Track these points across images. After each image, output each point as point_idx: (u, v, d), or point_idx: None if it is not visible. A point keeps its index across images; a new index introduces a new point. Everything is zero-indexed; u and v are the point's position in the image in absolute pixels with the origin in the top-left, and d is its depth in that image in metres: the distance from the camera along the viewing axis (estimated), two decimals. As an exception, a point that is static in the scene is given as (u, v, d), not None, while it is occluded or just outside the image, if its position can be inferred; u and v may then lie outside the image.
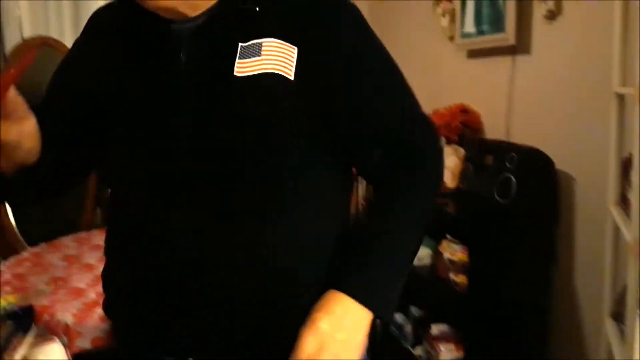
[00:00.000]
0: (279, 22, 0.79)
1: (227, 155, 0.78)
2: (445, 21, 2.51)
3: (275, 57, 0.77)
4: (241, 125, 0.78)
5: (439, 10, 2.54)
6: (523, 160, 1.82)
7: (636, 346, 1.03)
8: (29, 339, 1.19)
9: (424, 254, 2.25)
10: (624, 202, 1.32)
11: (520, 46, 2.07)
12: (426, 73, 2.81)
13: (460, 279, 1.92)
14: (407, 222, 0.84)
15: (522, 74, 2.10)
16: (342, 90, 0.81)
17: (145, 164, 0.81)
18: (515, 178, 1.80)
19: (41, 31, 2.82)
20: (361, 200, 2.67)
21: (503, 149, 1.93)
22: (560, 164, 1.84)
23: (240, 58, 0.78)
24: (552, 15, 1.91)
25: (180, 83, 0.79)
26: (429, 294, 2.20)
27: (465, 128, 2.31)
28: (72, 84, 0.89)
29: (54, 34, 2.83)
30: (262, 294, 0.79)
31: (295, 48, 0.78)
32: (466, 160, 2.15)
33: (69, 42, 2.83)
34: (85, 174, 0.97)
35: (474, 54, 2.41)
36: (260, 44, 0.78)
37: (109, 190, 0.93)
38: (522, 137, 2.06)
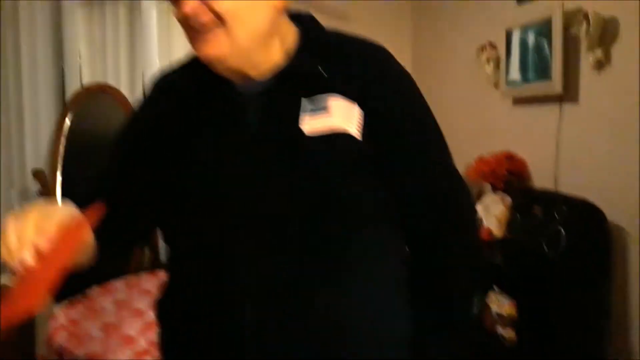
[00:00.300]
0: (343, 83, 0.81)
1: (302, 217, 0.78)
2: (489, 68, 2.52)
3: (342, 114, 0.79)
4: (316, 185, 0.78)
5: (484, 57, 2.55)
6: (573, 212, 1.78)
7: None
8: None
9: (469, 304, 2.20)
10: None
11: (568, 95, 2.05)
12: (471, 119, 2.81)
13: (508, 333, 1.87)
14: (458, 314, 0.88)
15: (569, 123, 2.07)
16: (398, 151, 0.84)
17: (213, 228, 0.81)
18: (565, 230, 1.76)
19: (99, 78, 2.97)
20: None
21: (552, 199, 1.90)
22: (612, 216, 1.78)
23: (308, 116, 0.79)
24: (600, 65, 1.90)
25: (250, 145, 0.80)
26: (475, 347, 2.14)
27: (511, 175, 2.28)
28: (137, 150, 0.91)
29: (111, 80, 2.98)
30: None
31: (358, 106, 0.80)
32: (513, 209, 2.11)
33: (125, 89, 2.98)
34: (148, 238, 0.98)
35: (519, 101, 2.40)
36: (328, 102, 0.79)
37: (168, 250, 0.92)
38: (570, 186, 2.01)
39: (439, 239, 0.87)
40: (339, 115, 0.78)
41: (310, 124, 0.78)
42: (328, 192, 0.78)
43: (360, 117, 0.79)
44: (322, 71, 0.80)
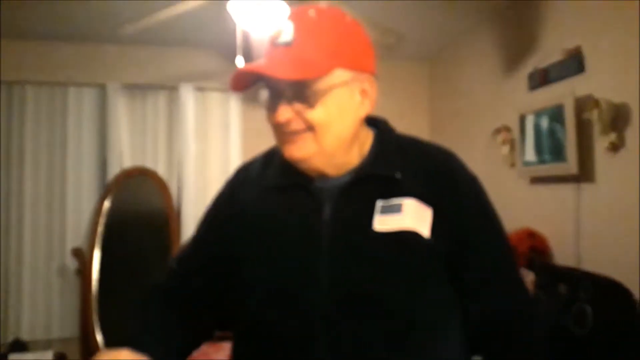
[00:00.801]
0: (417, 185, 0.88)
1: (366, 302, 0.83)
2: (505, 149, 2.64)
3: (414, 216, 0.85)
4: (380, 274, 0.84)
5: (499, 139, 2.67)
6: (598, 290, 1.81)
7: None
8: None
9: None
10: None
11: (584, 175, 2.14)
12: (490, 197, 2.89)
13: (541, 414, 1.85)
14: None
15: (588, 201, 2.14)
16: (468, 249, 0.89)
17: (283, 312, 0.85)
18: (592, 308, 1.79)
19: (138, 162, 3.14)
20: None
21: (576, 277, 1.93)
22: (637, 293, 1.82)
23: (381, 214, 0.86)
24: (614, 148, 1.99)
25: (322, 233, 0.86)
26: None
27: (534, 252, 2.33)
28: (215, 240, 0.97)
29: (149, 164, 3.15)
30: None
31: (431, 209, 0.86)
32: (537, 287, 2.15)
33: (162, 171, 3.13)
34: (215, 327, 1.02)
35: (536, 180, 2.49)
36: (401, 204, 0.86)
37: (234, 336, 0.96)
38: (595, 264, 2.05)
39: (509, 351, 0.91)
40: (411, 216, 0.85)
41: (383, 221, 0.85)
42: (393, 280, 0.84)
43: (430, 217, 0.86)
44: (398, 175, 0.88)
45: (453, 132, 3.34)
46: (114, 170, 3.04)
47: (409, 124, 3.71)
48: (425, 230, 0.85)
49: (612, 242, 2.00)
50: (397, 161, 0.90)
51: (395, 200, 0.86)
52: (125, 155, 3.12)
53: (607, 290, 1.82)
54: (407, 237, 0.84)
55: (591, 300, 1.81)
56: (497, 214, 0.98)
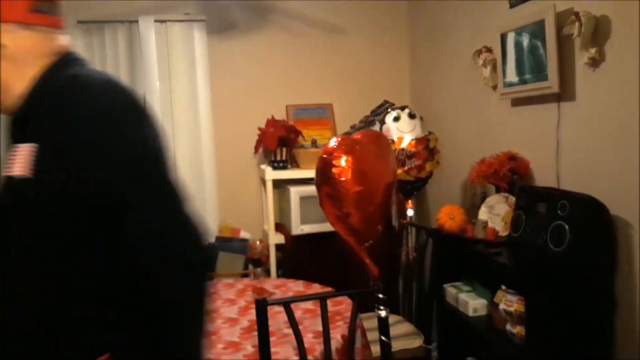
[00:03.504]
0: (39, 126, 0.88)
1: None
2: (486, 71, 2.57)
3: (23, 160, 0.87)
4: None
5: (480, 61, 2.60)
6: (575, 207, 1.81)
7: None
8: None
9: (479, 305, 2.23)
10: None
11: (565, 93, 2.09)
12: (472, 122, 2.85)
13: (517, 330, 1.89)
14: None
15: (568, 120, 2.11)
16: (75, 186, 0.84)
17: None
18: (568, 225, 1.79)
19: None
20: (412, 251, 2.68)
21: (555, 196, 1.93)
22: (615, 209, 1.81)
23: (9, 160, 0.90)
24: (594, 63, 1.93)
25: None
26: (486, 345, 2.15)
27: (515, 175, 2.32)
28: None
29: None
30: None
31: (36, 147, 0.87)
32: (517, 208, 2.15)
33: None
34: None
35: (518, 102, 2.44)
36: (20, 147, 0.88)
37: None
38: (572, 183, 2.05)
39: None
40: (20, 162, 0.87)
41: (8, 166, 0.89)
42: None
43: (34, 156, 0.86)
44: (28, 116, 0.90)
45: (433, 56, 3.25)
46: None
47: (388, 46, 3.65)
48: (30, 171, 0.86)
49: (590, 161, 1.98)
50: (36, 102, 0.91)
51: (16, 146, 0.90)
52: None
53: (583, 207, 1.82)
54: (16, 185, 0.87)
55: (568, 218, 1.81)
56: (133, 146, 0.88)
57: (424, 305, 2.44)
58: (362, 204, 1.82)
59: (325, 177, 1.85)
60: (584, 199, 1.84)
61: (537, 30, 2.16)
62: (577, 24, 1.92)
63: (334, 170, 1.83)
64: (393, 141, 2.76)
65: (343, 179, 1.81)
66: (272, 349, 1.63)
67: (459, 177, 2.92)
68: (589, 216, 1.81)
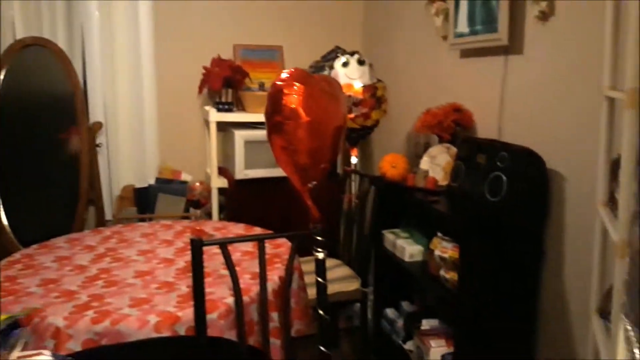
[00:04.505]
0: None
1: None
2: (438, 21, 2.53)
3: None
4: None
5: (433, 9, 2.56)
6: (514, 159, 1.85)
7: (620, 343, 1.06)
8: (15, 353, 1.16)
9: (416, 251, 2.28)
10: (612, 203, 1.35)
11: (513, 46, 2.09)
12: (422, 73, 2.83)
13: (450, 275, 1.95)
14: None
15: (514, 74, 2.12)
16: None
17: None
18: (506, 176, 1.83)
19: (34, 32, 2.81)
20: (354, 198, 2.69)
21: (495, 148, 1.95)
22: (551, 163, 1.86)
23: None
24: (544, 16, 1.93)
25: None
26: (420, 291, 2.23)
27: (458, 127, 2.34)
28: None
29: (46, 34, 2.83)
30: None
31: None
32: (458, 158, 2.17)
33: (61, 43, 2.83)
34: None
35: (467, 53, 2.43)
36: None
37: None
38: (514, 136, 2.08)
39: None
40: None
41: None
42: None
43: None
44: None
45: (387, 2, 3.18)
46: (6, 43, 2.72)
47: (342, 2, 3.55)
48: None
49: (532, 115, 2.01)
50: None
51: None
52: (17, 25, 2.79)
53: (521, 159, 1.85)
54: None
55: (506, 169, 1.84)
56: None
57: (363, 250, 2.48)
58: (310, 137, 1.79)
59: (276, 105, 1.81)
60: (523, 151, 1.88)
61: (491, -20, 2.13)
62: (530, -26, 1.90)
63: (285, 98, 1.79)
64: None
65: (293, 106, 1.78)
66: (208, 289, 1.61)
67: (405, 126, 2.93)
68: (526, 168, 1.85)
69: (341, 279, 2.39)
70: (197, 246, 1.48)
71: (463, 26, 2.35)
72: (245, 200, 2.93)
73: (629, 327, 1.02)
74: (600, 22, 1.51)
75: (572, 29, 1.82)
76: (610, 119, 1.41)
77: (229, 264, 1.54)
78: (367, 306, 2.47)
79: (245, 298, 1.61)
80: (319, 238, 1.73)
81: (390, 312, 2.52)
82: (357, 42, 3.46)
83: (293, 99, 1.79)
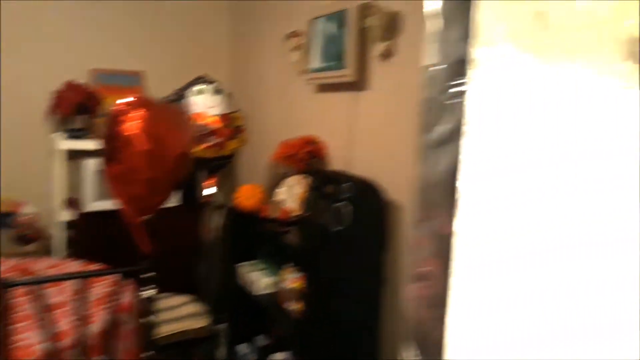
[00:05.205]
0: None
1: None
2: (295, 56, 2.59)
3: None
4: None
5: (291, 45, 2.61)
6: (358, 189, 1.90)
7: None
8: None
9: (269, 283, 2.25)
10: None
11: (361, 82, 2.19)
12: (282, 105, 2.87)
13: (297, 305, 1.94)
14: None
15: (362, 109, 2.21)
16: None
17: None
18: (349, 206, 1.88)
19: None
20: (212, 230, 2.62)
21: (342, 179, 2.00)
22: (391, 194, 1.95)
23: None
24: (386, 55, 2.04)
25: None
26: (271, 323, 2.19)
27: (312, 158, 2.38)
28: None
29: None
30: None
31: None
32: (311, 189, 2.20)
33: None
34: None
35: (322, 88, 2.50)
36: None
37: None
38: (362, 168, 2.16)
39: None
40: None
41: None
42: None
43: None
44: None
45: (252, 35, 3.21)
46: None
47: (208, 20, 3.51)
48: None
49: (377, 148, 2.10)
50: None
51: None
52: None
53: (363, 190, 1.92)
54: None
55: (350, 199, 1.89)
56: None
57: (218, 284, 2.40)
58: (148, 166, 1.70)
59: (112, 131, 1.70)
60: (365, 182, 1.95)
61: (341, 19, 2.23)
62: (377, 16, 2.00)
63: (122, 125, 1.69)
64: (192, 115, 2.65)
65: (131, 133, 1.68)
66: (23, 335, 1.45)
67: (266, 157, 2.92)
68: (368, 199, 1.91)
69: (190, 316, 2.28)
70: (1, 287, 1.32)
71: (317, 62, 2.42)
72: (95, 235, 2.72)
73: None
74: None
75: (410, 67, 1.94)
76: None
77: (38, 306, 1.40)
78: (219, 343, 2.38)
79: (65, 342, 1.46)
80: (143, 276, 1.63)
81: (244, 347, 2.44)
82: (225, 72, 3.43)
83: (131, 125, 1.70)
